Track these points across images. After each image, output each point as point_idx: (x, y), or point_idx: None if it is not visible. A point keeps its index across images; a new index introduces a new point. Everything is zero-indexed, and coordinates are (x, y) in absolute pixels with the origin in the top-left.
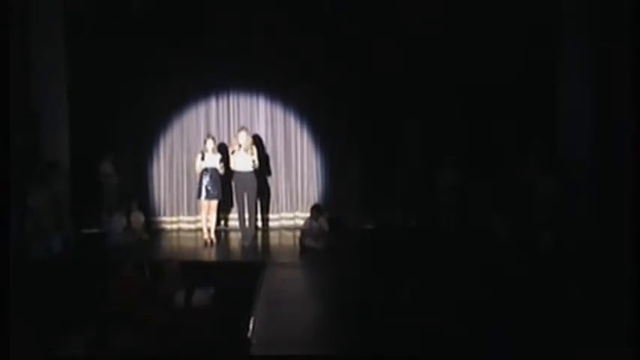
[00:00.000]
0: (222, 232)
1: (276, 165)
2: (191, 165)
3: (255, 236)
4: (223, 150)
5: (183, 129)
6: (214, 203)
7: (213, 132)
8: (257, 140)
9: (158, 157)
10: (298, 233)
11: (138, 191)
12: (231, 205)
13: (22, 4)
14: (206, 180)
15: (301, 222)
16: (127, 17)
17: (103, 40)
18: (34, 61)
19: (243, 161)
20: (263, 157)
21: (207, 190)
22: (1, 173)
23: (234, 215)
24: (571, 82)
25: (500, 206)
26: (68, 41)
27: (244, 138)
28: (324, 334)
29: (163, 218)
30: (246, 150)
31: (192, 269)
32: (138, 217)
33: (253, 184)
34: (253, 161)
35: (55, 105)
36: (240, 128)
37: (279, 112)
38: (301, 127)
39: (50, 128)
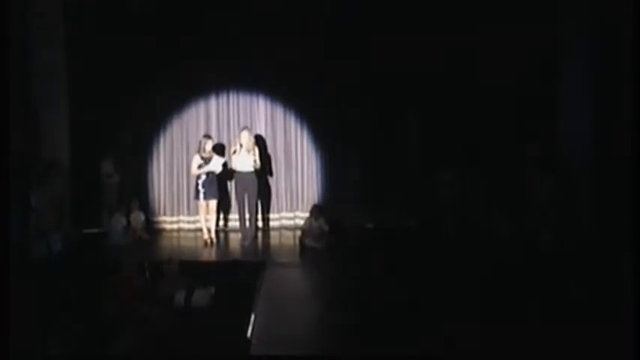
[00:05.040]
0: (222, 232)
1: (276, 165)
2: (191, 165)
3: (255, 236)
4: (220, 150)
5: (183, 129)
6: (213, 203)
7: (213, 132)
8: (259, 140)
9: (158, 157)
10: (298, 233)
11: (138, 191)
12: (231, 205)
13: (22, 4)
14: (203, 181)
15: (301, 222)
16: (127, 17)
17: (103, 40)
18: (34, 61)
19: (245, 161)
20: (265, 158)
21: (204, 191)
22: (1, 173)
23: (234, 215)
24: (571, 82)
25: (500, 206)
26: (68, 41)
27: (246, 138)
28: (324, 334)
29: (163, 218)
30: (247, 150)
31: (192, 269)
32: (138, 217)
33: (254, 184)
34: (255, 161)
35: (55, 105)
36: (243, 128)
37: (279, 111)
38: (301, 127)
39: (50, 128)
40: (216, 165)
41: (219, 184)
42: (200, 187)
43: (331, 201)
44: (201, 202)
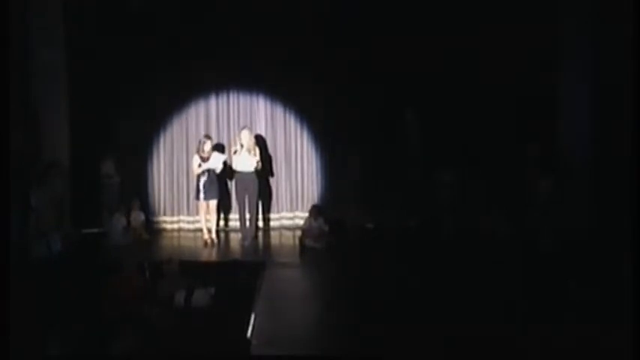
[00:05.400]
0: (222, 232)
1: (277, 165)
2: (191, 165)
3: (256, 236)
4: (222, 150)
5: (183, 129)
6: (213, 203)
7: (213, 132)
8: (260, 140)
9: (158, 157)
10: (298, 233)
11: (138, 191)
12: (232, 205)
13: (22, 4)
14: (204, 180)
15: (301, 222)
16: (127, 17)
17: (103, 40)
18: (34, 61)
19: (245, 161)
20: (265, 158)
21: (205, 191)
22: (1, 173)
23: (234, 215)
24: (571, 82)
25: (500, 206)
26: (68, 41)
27: (247, 138)
28: (325, 334)
29: (163, 218)
30: (248, 150)
31: (192, 269)
32: (138, 217)
33: (255, 184)
34: (257, 162)
35: (55, 105)
36: (243, 127)
37: (279, 111)
38: (301, 127)
39: (50, 128)
40: (215, 162)
41: (219, 184)
42: (201, 187)
43: (331, 201)
44: (202, 202)
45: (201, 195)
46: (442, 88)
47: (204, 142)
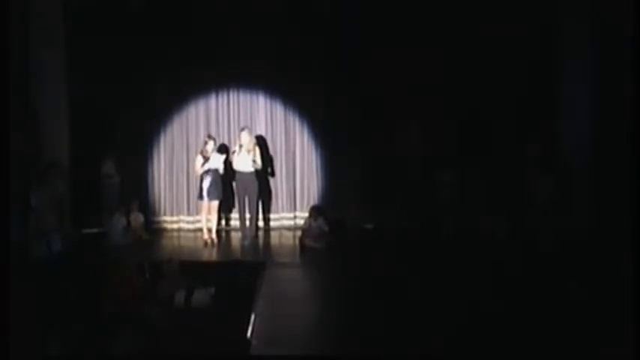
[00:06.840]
0: (222, 232)
1: (276, 165)
2: (191, 165)
3: (256, 236)
4: (224, 150)
5: (183, 129)
6: (215, 204)
7: (213, 132)
8: (260, 141)
9: (158, 157)
10: (298, 233)
11: (138, 191)
12: (232, 205)
13: (22, 4)
14: (207, 181)
15: (301, 222)
16: (127, 17)
17: (103, 40)
18: (34, 60)
19: (245, 162)
20: (265, 158)
21: (208, 192)
22: (1, 173)
23: (234, 215)
24: (571, 82)
25: (500, 206)
26: (68, 41)
27: (246, 138)
28: (324, 334)
29: (163, 218)
30: (247, 151)
31: (192, 269)
32: (138, 217)
33: (254, 184)
34: (254, 162)
35: (55, 105)
36: (242, 128)
37: (279, 111)
38: (301, 127)
39: (50, 128)
40: (214, 162)
41: (222, 185)
42: (204, 188)
43: (331, 201)
44: (205, 202)
45: (205, 195)
46: (442, 87)
47: (207, 143)
